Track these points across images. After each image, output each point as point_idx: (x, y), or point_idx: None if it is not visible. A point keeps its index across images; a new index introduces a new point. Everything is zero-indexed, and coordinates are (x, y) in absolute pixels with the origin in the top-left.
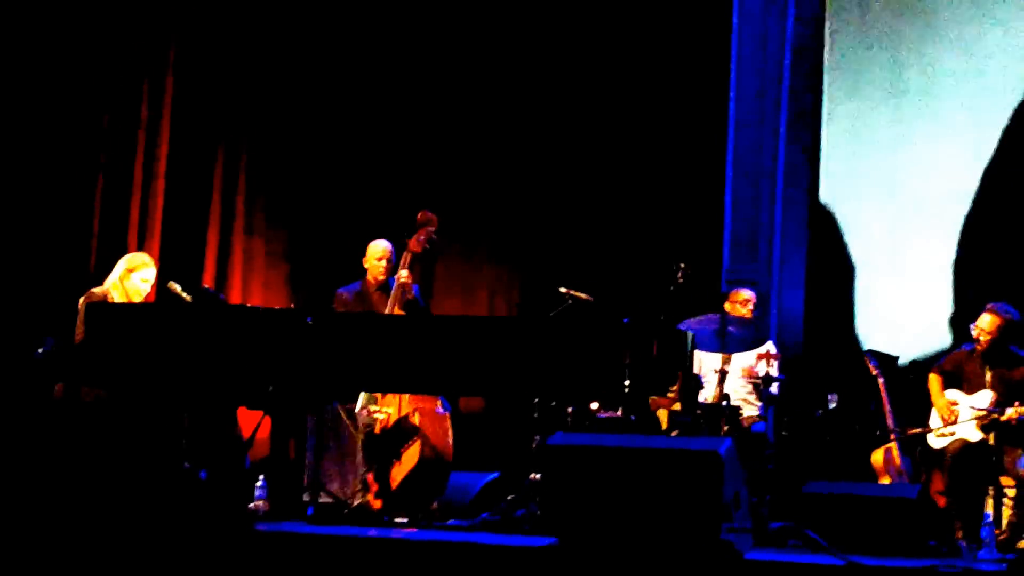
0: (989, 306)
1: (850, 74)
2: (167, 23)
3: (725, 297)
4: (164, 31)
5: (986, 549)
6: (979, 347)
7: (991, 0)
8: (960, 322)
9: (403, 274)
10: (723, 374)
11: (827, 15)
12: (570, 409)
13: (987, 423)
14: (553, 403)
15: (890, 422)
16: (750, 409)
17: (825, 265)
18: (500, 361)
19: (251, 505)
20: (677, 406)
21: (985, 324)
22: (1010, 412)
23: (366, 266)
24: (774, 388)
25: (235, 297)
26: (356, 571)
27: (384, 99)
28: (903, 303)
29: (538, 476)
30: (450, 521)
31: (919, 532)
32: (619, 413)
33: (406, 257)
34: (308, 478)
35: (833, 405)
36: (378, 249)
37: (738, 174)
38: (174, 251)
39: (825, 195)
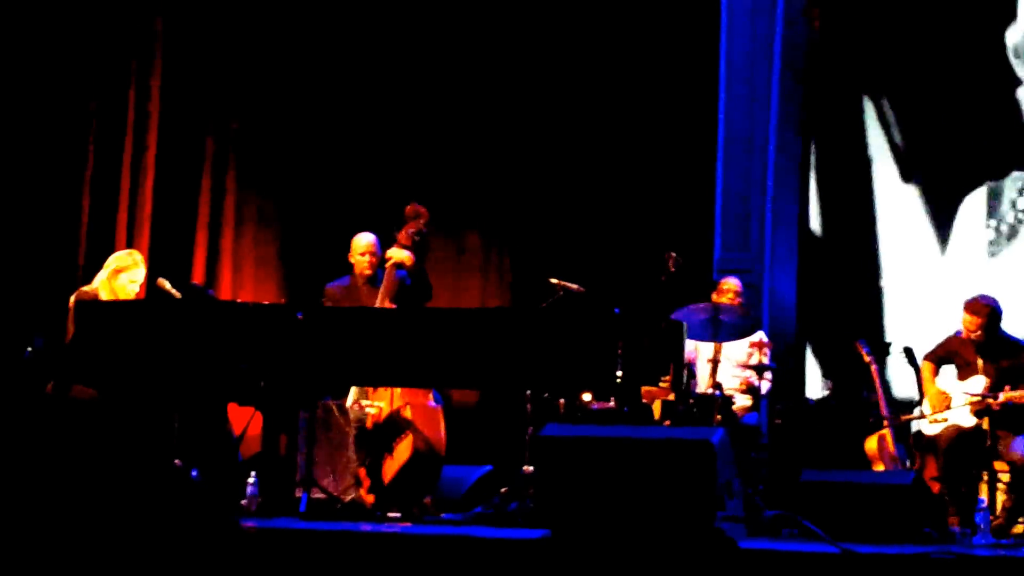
0: (967, 303)
1: None
2: (153, 8)
3: (715, 287)
4: (150, 16)
5: (980, 535)
6: (975, 338)
7: None
8: None
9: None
10: (715, 363)
11: None
12: (562, 401)
13: (981, 408)
14: (545, 395)
15: (883, 409)
16: (741, 399)
17: (817, 253)
18: (492, 353)
19: (243, 501)
20: (670, 396)
21: (968, 324)
22: (1003, 397)
23: (351, 261)
24: (768, 376)
25: (225, 293)
26: (349, 566)
27: (374, 90)
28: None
29: (531, 468)
30: (443, 515)
31: (913, 519)
32: (612, 404)
33: None
34: (300, 474)
35: (826, 393)
36: (361, 244)
37: (729, 163)
38: (163, 247)
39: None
